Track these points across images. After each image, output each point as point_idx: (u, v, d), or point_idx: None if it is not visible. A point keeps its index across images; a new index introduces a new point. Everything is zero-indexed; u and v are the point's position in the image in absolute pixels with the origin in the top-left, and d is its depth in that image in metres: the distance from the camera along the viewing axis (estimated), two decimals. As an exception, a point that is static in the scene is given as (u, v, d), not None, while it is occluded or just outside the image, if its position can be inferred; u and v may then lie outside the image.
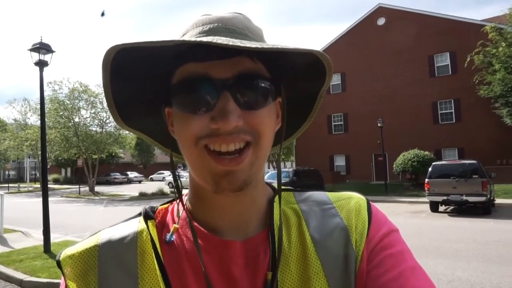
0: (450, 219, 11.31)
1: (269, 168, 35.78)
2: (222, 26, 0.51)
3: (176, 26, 0.56)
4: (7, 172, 53.62)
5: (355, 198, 0.60)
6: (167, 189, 24.08)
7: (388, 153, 21.91)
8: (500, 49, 17.26)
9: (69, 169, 47.96)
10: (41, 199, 7.58)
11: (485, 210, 11.82)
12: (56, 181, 45.05)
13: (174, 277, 0.51)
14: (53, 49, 8.12)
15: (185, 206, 0.58)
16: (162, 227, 0.57)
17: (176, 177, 0.59)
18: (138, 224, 0.57)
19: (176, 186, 0.59)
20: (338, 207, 0.58)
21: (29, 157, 35.58)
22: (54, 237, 8.00)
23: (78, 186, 27.82)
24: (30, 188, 34.28)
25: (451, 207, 13.15)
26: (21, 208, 16.89)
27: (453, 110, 22.92)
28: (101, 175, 37.95)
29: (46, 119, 10.25)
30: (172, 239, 0.55)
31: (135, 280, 0.51)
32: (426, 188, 12.56)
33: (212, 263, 0.52)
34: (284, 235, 0.55)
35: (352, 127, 26.11)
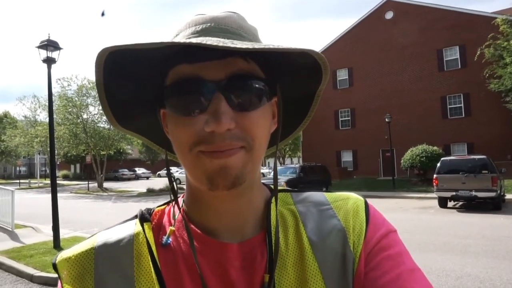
0: (459, 215, 11.21)
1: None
2: (215, 26, 0.50)
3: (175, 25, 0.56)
4: (18, 168, 54.47)
5: (353, 199, 0.59)
6: (176, 186, 24.16)
7: (395, 149, 21.75)
8: (512, 42, 16.98)
9: (78, 166, 48.55)
10: (51, 195, 7.69)
11: (495, 205, 11.69)
12: (65, 177, 45.71)
13: (170, 280, 0.51)
14: (61, 46, 8.18)
15: (182, 208, 0.58)
16: (158, 230, 0.57)
17: (171, 179, 0.58)
18: (135, 227, 0.57)
19: (172, 188, 0.59)
20: (336, 208, 0.58)
21: (39, 154, 36.06)
22: (64, 233, 8.10)
23: (87, 182, 28.21)
24: (40, 184, 34.82)
25: (460, 203, 13.04)
26: (31, 203, 17.17)
27: (462, 105, 22.62)
28: (110, 171, 38.32)
29: (55, 116, 10.36)
30: (169, 241, 0.54)
31: (131, 283, 0.51)
32: (434, 184, 12.45)
33: (209, 266, 0.52)
34: (281, 237, 0.55)
35: (360, 122, 25.92)
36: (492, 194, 11.36)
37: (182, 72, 0.49)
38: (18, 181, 36.53)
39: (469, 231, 8.41)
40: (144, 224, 0.56)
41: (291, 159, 53.28)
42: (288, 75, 0.57)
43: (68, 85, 25.69)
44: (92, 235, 0.58)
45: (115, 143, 27.61)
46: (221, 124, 0.45)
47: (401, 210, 12.16)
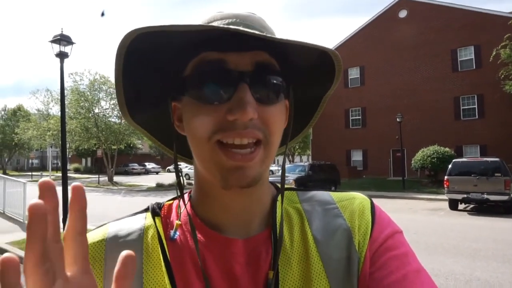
0: (470, 218, 11.03)
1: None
2: (241, 22, 0.51)
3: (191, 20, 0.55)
4: (30, 161, 55.49)
5: (359, 199, 0.59)
6: (183, 181, 24.38)
7: (406, 149, 21.49)
8: (528, 42, 16.61)
9: (89, 159, 49.20)
10: (61, 187, 7.81)
11: (507, 209, 11.47)
12: (76, 171, 46.39)
13: (177, 274, 0.52)
14: (73, 41, 8.29)
15: (189, 202, 0.58)
16: (167, 224, 0.57)
17: (178, 174, 0.59)
18: (144, 221, 0.58)
19: (178, 183, 0.59)
20: (342, 207, 0.58)
21: (51, 147, 36.59)
22: (74, 225, 8.22)
23: (97, 176, 28.52)
24: (52, 177, 35.29)
25: (471, 206, 12.84)
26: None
27: (476, 106, 22.25)
28: (120, 166, 38.74)
29: (67, 110, 10.49)
30: (176, 236, 0.55)
31: (139, 276, 0.51)
32: (445, 185, 12.27)
33: (213, 260, 0.52)
34: (286, 235, 0.55)
35: (370, 121, 25.70)
36: (505, 197, 11.16)
37: (208, 60, 0.49)
38: (30, 173, 37.21)
39: (480, 234, 8.28)
40: (156, 218, 0.56)
41: (301, 157, 53.10)
42: (298, 78, 0.57)
43: (81, 79, 26.05)
44: (102, 225, 0.59)
45: (125, 138, 27.87)
46: (246, 112, 0.46)
47: (411, 211, 12.04)
